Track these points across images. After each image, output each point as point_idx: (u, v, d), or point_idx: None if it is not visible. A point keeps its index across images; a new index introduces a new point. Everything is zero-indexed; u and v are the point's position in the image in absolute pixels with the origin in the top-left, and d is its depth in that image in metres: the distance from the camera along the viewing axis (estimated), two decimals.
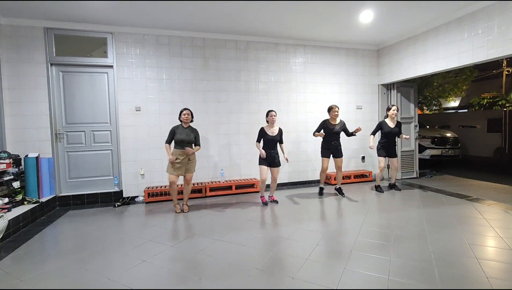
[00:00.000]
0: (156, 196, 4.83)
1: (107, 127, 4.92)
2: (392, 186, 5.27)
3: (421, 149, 7.68)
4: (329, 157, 4.71)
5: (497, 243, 2.87)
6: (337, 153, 4.71)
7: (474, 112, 12.21)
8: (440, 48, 4.91)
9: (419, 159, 6.82)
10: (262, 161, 4.34)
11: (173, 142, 4.15)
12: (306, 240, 3.05)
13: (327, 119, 4.73)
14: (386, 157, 5.07)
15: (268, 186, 4.85)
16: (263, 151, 4.25)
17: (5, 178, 3.88)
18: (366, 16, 4.59)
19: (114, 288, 2.21)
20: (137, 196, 4.94)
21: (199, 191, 5.07)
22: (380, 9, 4.41)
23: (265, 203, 4.42)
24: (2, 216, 3.20)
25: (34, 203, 4.01)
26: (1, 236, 3.13)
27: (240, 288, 2.16)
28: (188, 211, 4.22)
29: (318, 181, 5.01)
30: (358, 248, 2.79)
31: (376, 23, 4.96)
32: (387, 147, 5.01)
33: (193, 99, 5.21)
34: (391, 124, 4.99)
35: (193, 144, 4.20)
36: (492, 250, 2.73)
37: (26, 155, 4.24)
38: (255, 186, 5.35)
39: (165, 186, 4.92)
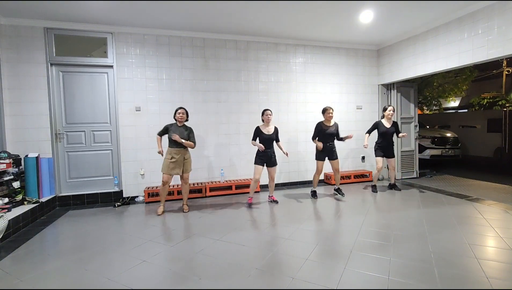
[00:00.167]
0: (156, 196, 4.83)
1: (107, 127, 4.92)
2: (392, 186, 5.26)
3: (421, 149, 7.68)
4: (324, 160, 4.68)
5: (497, 243, 2.87)
6: (332, 155, 4.68)
7: (474, 112, 12.22)
8: (440, 48, 4.91)
9: (419, 159, 6.82)
10: (258, 161, 4.32)
11: (167, 142, 4.15)
12: (306, 240, 3.05)
13: (322, 121, 4.72)
14: (384, 157, 5.07)
15: (266, 186, 4.84)
16: (261, 145, 4.23)
17: (5, 178, 3.88)
18: (366, 16, 4.59)
19: (114, 288, 2.21)
20: (137, 196, 4.94)
21: (199, 191, 5.07)
22: (380, 9, 4.41)
23: (250, 205, 4.37)
24: (2, 216, 3.20)
25: (34, 203, 4.01)
26: (1, 236, 3.13)
27: (240, 288, 2.16)
28: (188, 211, 4.22)
29: (318, 181, 5.00)
30: (358, 248, 2.79)
31: (376, 23, 4.96)
32: (384, 148, 5.01)
33: (193, 99, 5.21)
34: (387, 124, 4.99)
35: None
36: (492, 250, 2.73)
37: (26, 155, 4.24)
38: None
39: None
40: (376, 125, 5.03)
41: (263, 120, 4.39)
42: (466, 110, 15.27)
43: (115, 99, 4.86)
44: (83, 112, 4.80)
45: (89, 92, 4.81)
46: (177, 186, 4.98)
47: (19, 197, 4.01)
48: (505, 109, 9.87)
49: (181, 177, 4.22)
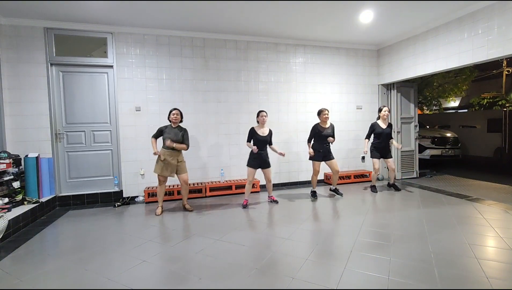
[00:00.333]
0: (156, 196, 4.82)
1: (107, 127, 4.92)
2: (391, 185, 5.25)
3: (421, 149, 7.67)
4: (320, 161, 4.68)
5: (497, 243, 2.87)
6: (329, 156, 4.67)
7: (474, 112, 12.22)
8: (440, 48, 4.91)
9: (419, 159, 6.82)
10: (251, 163, 4.30)
11: (161, 142, 4.13)
12: (306, 240, 3.05)
13: (318, 123, 4.72)
14: (382, 159, 5.05)
15: (264, 186, 4.84)
16: (255, 147, 4.22)
17: (5, 178, 3.88)
18: (366, 16, 4.59)
19: (114, 288, 2.21)
20: (137, 196, 4.94)
21: (199, 191, 5.07)
22: (380, 9, 4.41)
23: (244, 206, 4.35)
24: (2, 216, 3.20)
25: (34, 203, 4.01)
26: (1, 236, 3.13)
27: (240, 288, 2.16)
28: (192, 210, 4.23)
29: (319, 181, 5.01)
30: (358, 248, 2.79)
31: (376, 23, 4.96)
32: (380, 148, 5.00)
33: (193, 99, 5.21)
34: (383, 125, 4.99)
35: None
36: (492, 250, 2.73)
37: (26, 155, 4.24)
38: (256, 186, 5.34)
39: (166, 186, 4.90)
40: (373, 127, 5.02)
41: (258, 122, 4.38)
42: (466, 110, 15.27)
43: (115, 99, 4.86)
44: (83, 112, 4.80)
45: (89, 92, 4.81)
46: (177, 186, 4.98)
47: (19, 197, 4.01)
48: (505, 109, 9.87)
49: (180, 179, 4.20)
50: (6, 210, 3.57)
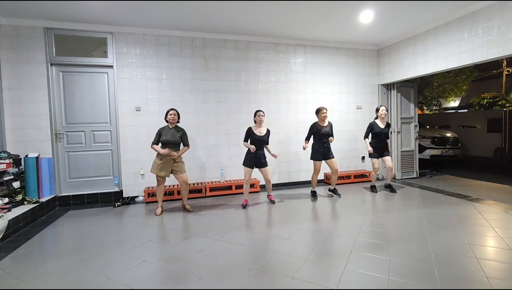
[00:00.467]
0: (156, 196, 4.82)
1: (107, 127, 4.92)
2: (387, 186, 5.16)
3: (421, 149, 7.68)
4: (321, 160, 4.67)
5: (497, 243, 2.87)
6: (329, 155, 4.66)
7: (474, 112, 12.22)
8: (440, 48, 4.91)
9: (419, 159, 6.82)
10: (247, 162, 4.29)
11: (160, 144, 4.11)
12: (306, 240, 3.05)
13: (316, 122, 4.72)
14: (380, 158, 5.04)
15: (264, 186, 4.84)
16: (252, 146, 4.20)
17: (5, 178, 3.88)
18: (366, 16, 4.59)
19: (114, 288, 2.21)
20: (137, 196, 4.94)
21: (199, 191, 5.07)
22: (380, 9, 4.41)
23: (244, 206, 4.34)
24: (2, 216, 3.20)
25: (34, 203, 4.01)
26: (1, 236, 3.13)
27: (240, 288, 2.16)
28: (192, 210, 4.22)
29: (319, 181, 5.00)
30: (358, 248, 2.79)
31: (376, 23, 4.96)
32: (378, 148, 4.99)
33: (193, 99, 5.21)
34: (381, 124, 4.98)
35: (180, 144, 4.16)
36: (492, 250, 2.73)
37: (26, 155, 4.24)
38: (256, 186, 5.34)
39: (165, 186, 4.92)
40: (371, 126, 5.01)
41: (255, 121, 4.38)
42: (466, 110, 15.28)
43: (115, 99, 4.86)
44: (83, 112, 4.80)
45: (89, 92, 4.81)
46: (177, 186, 4.98)
47: (19, 197, 4.01)
48: (505, 109, 9.87)
49: (179, 179, 4.17)
50: (6, 210, 3.57)
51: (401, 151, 6.32)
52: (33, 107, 4.48)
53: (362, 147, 6.26)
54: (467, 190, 5.11)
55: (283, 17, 4.59)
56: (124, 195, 4.92)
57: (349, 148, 6.24)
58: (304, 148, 4.65)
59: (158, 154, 4.04)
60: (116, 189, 4.93)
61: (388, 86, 6.41)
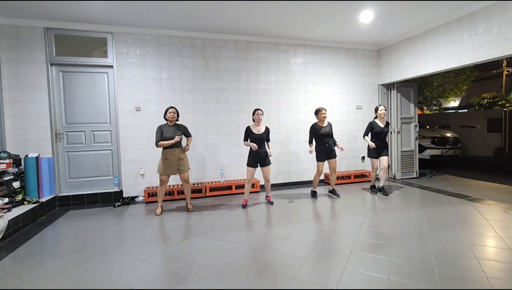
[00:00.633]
0: (156, 196, 4.82)
1: (107, 127, 4.92)
2: (380, 189, 5.03)
3: (421, 149, 7.67)
4: (324, 160, 4.68)
5: (497, 243, 2.87)
6: (332, 154, 4.68)
7: (474, 112, 12.23)
8: (440, 48, 4.91)
9: (419, 159, 6.82)
10: (250, 162, 4.30)
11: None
12: (306, 240, 3.05)
13: (316, 123, 4.72)
14: (379, 158, 5.02)
15: (263, 187, 4.84)
16: (254, 144, 4.21)
17: (5, 178, 3.88)
18: (366, 16, 4.59)
19: (114, 288, 2.21)
20: (137, 196, 4.94)
21: (199, 191, 5.07)
22: (380, 9, 4.41)
23: (244, 206, 4.35)
24: (2, 216, 3.20)
25: (34, 203, 4.01)
26: (1, 236, 3.13)
27: (240, 288, 2.17)
28: (193, 210, 4.23)
29: (319, 181, 4.99)
30: (358, 248, 2.79)
31: (376, 23, 4.96)
32: (378, 147, 4.97)
33: (193, 99, 5.21)
34: (381, 124, 4.97)
35: (183, 140, 4.18)
36: (492, 250, 2.73)
37: (26, 155, 4.24)
38: (256, 186, 5.34)
39: (166, 186, 4.91)
40: (371, 126, 4.99)
41: (253, 120, 4.38)
42: (466, 110, 15.28)
43: (115, 99, 4.86)
44: (83, 112, 4.80)
45: (89, 92, 4.81)
46: (177, 186, 4.99)
47: (19, 197, 4.01)
48: (505, 109, 9.87)
49: (181, 178, 4.21)
50: (6, 210, 3.57)
51: (401, 151, 6.32)
52: (33, 107, 4.48)
53: (362, 147, 6.26)
54: (467, 190, 5.11)
55: (283, 17, 4.59)
56: (124, 195, 4.92)
57: (349, 148, 6.23)
58: (310, 152, 4.64)
59: (163, 154, 4.03)
60: (116, 189, 4.93)
61: (388, 86, 6.41)
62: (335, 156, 4.71)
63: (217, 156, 5.39)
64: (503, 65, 13.84)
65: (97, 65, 4.80)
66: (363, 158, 6.38)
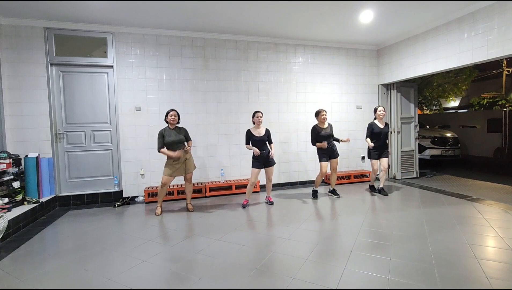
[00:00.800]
0: (156, 196, 4.82)
1: (107, 127, 4.92)
2: (379, 190, 5.03)
3: (421, 149, 7.67)
4: (327, 161, 4.68)
5: (497, 243, 2.87)
6: (334, 154, 4.69)
7: (474, 112, 12.22)
8: (440, 48, 4.91)
9: (419, 159, 6.82)
10: (255, 164, 4.30)
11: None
12: (306, 240, 3.05)
13: (316, 124, 4.72)
14: (379, 159, 5.01)
15: (264, 187, 4.84)
16: (257, 149, 4.22)
17: (5, 178, 3.88)
18: (366, 16, 4.59)
19: (114, 288, 2.21)
20: (137, 196, 4.94)
21: (199, 191, 5.07)
22: (380, 9, 4.41)
23: (244, 206, 4.35)
24: (2, 216, 3.20)
25: (34, 203, 4.01)
26: (1, 236, 3.13)
27: (240, 288, 2.17)
28: (193, 210, 4.23)
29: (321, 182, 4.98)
30: (358, 248, 2.79)
31: (376, 23, 4.96)
32: (378, 148, 4.97)
33: (193, 99, 5.21)
34: (380, 124, 4.97)
35: (184, 142, 4.15)
36: (492, 250, 2.73)
37: (26, 155, 4.24)
38: (256, 186, 5.34)
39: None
40: (371, 127, 4.98)
41: (253, 122, 4.38)
42: (466, 110, 15.27)
43: (115, 99, 4.86)
44: (83, 112, 4.80)
45: (89, 92, 4.81)
46: (177, 186, 4.99)
47: (19, 197, 4.01)
48: (505, 109, 9.88)
49: (185, 178, 4.22)
50: (6, 210, 3.57)
51: (401, 151, 6.32)
52: (33, 107, 4.48)
53: (362, 147, 6.27)
54: (467, 190, 5.11)
55: (283, 17, 4.59)
56: (124, 195, 4.92)
57: (349, 148, 6.24)
58: (324, 146, 4.56)
59: (170, 157, 3.99)
60: (116, 189, 4.93)
61: (388, 86, 6.41)
62: (337, 156, 4.73)
63: (217, 156, 5.39)
64: (503, 65, 13.84)
65: (97, 65, 4.80)
66: (363, 158, 6.38)
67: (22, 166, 4.24)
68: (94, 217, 4.07)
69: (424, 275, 2.27)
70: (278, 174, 5.77)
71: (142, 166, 5.00)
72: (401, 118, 6.32)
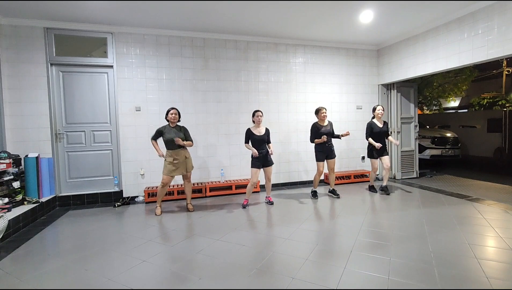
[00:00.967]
0: (156, 196, 4.81)
1: (107, 127, 4.92)
2: (382, 189, 5.04)
3: (421, 149, 7.67)
4: (324, 160, 4.68)
5: (497, 243, 2.87)
6: (331, 154, 4.68)
7: (474, 112, 12.21)
8: (440, 48, 4.91)
9: (419, 159, 6.82)
10: (255, 163, 4.30)
11: (161, 143, 4.12)
12: (306, 240, 3.05)
13: (316, 122, 4.72)
14: (378, 158, 5.02)
15: (263, 187, 4.84)
16: (255, 150, 4.22)
17: (5, 178, 3.88)
18: (366, 16, 4.59)
19: (114, 288, 2.21)
20: (137, 196, 4.94)
21: (199, 191, 5.07)
22: (380, 9, 4.41)
23: (244, 206, 4.35)
24: (2, 216, 3.20)
25: (34, 203, 4.01)
26: (1, 236, 3.13)
27: (240, 288, 2.17)
28: (193, 210, 4.23)
29: (319, 181, 4.98)
30: (358, 248, 2.79)
31: (376, 23, 4.96)
32: (379, 148, 4.96)
33: (193, 99, 5.21)
34: (379, 124, 4.98)
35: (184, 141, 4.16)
36: (492, 250, 2.73)
37: (26, 155, 4.24)
38: (256, 186, 5.34)
39: None
40: (371, 126, 4.99)
41: (253, 122, 4.38)
42: (466, 110, 15.27)
43: (115, 99, 4.86)
44: (83, 112, 4.80)
45: (89, 92, 4.81)
46: (177, 186, 4.99)
47: (19, 197, 4.01)
48: (505, 109, 9.87)
49: (184, 177, 4.22)
50: (6, 210, 3.57)
51: (401, 151, 6.32)
52: (33, 107, 4.48)
53: (362, 147, 6.26)
54: (467, 190, 5.11)
55: (283, 17, 4.59)
56: (124, 195, 4.92)
57: (349, 148, 6.24)
58: (324, 139, 4.52)
59: (170, 155, 4.02)
60: (116, 189, 4.93)
61: (388, 86, 6.41)
62: (334, 156, 4.72)
63: (217, 156, 5.39)
64: (503, 65, 13.84)
65: (97, 65, 4.80)
66: (363, 158, 6.38)
67: (22, 166, 4.24)
68: (94, 217, 4.07)
69: (424, 275, 2.27)
70: (278, 174, 5.78)
71: (142, 166, 5.00)
72: (401, 118, 6.32)
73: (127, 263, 2.60)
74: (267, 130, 4.42)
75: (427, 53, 5.16)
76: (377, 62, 6.41)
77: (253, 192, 5.25)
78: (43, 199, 4.25)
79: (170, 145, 4.01)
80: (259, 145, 4.29)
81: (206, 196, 5.08)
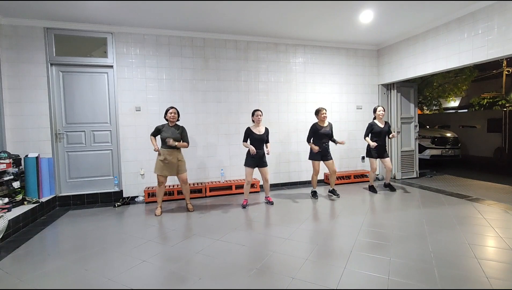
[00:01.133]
0: (156, 196, 4.82)
1: (107, 127, 4.92)
2: (387, 185, 5.21)
3: (421, 149, 7.67)
4: (319, 160, 4.67)
5: (497, 243, 2.87)
6: (327, 156, 4.66)
7: (474, 112, 12.21)
8: (440, 48, 4.91)
9: (419, 159, 6.82)
10: (248, 162, 4.30)
11: (160, 141, 4.15)
12: (306, 240, 3.05)
13: (316, 122, 4.72)
14: (378, 159, 5.03)
15: (262, 187, 4.84)
16: (253, 147, 4.21)
17: (5, 178, 3.88)
18: (366, 16, 4.59)
19: (114, 288, 2.21)
20: (137, 196, 4.94)
21: (199, 191, 5.07)
22: (380, 9, 4.41)
23: (244, 206, 4.36)
24: (2, 216, 3.20)
25: (34, 203, 4.01)
26: (1, 236, 3.13)
27: (240, 288, 2.17)
28: (193, 210, 4.23)
29: (319, 181, 4.99)
30: (358, 248, 2.79)
31: (376, 23, 4.96)
32: (378, 147, 4.97)
33: (193, 99, 5.21)
34: (380, 124, 4.99)
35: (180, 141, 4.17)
36: (492, 250, 2.73)
37: (26, 155, 4.24)
38: (256, 186, 5.34)
39: (166, 186, 4.91)
40: (371, 126, 5.01)
41: (253, 121, 4.38)
42: (466, 110, 15.26)
43: (115, 99, 4.86)
44: (83, 112, 4.80)
45: (89, 92, 4.81)
46: (177, 186, 4.99)
47: (19, 197, 4.01)
48: (505, 109, 9.87)
49: (179, 179, 4.21)
50: (6, 210, 3.57)
51: (401, 151, 6.32)
52: (33, 107, 4.48)
53: (362, 147, 6.25)
54: (467, 190, 5.11)
55: (283, 17, 4.59)
56: (124, 195, 4.92)
57: (349, 148, 6.24)
58: (314, 150, 4.58)
59: (162, 154, 4.04)
60: (116, 189, 4.93)
61: (388, 86, 6.41)
62: (331, 158, 4.70)
63: (217, 156, 5.39)
64: (503, 65, 13.83)
65: (97, 65, 4.80)
66: (363, 158, 6.38)
67: (22, 166, 4.24)
68: (94, 217, 4.07)
69: (424, 275, 2.27)
70: (278, 174, 5.78)
71: (142, 166, 5.00)
72: (401, 118, 6.32)
73: (127, 263, 2.61)
74: (266, 130, 4.42)
75: (427, 53, 5.16)
76: (377, 62, 6.41)
77: (253, 192, 5.25)
78: (43, 199, 4.25)
79: (165, 144, 4.02)
80: (258, 145, 4.29)
81: (206, 196, 5.08)
